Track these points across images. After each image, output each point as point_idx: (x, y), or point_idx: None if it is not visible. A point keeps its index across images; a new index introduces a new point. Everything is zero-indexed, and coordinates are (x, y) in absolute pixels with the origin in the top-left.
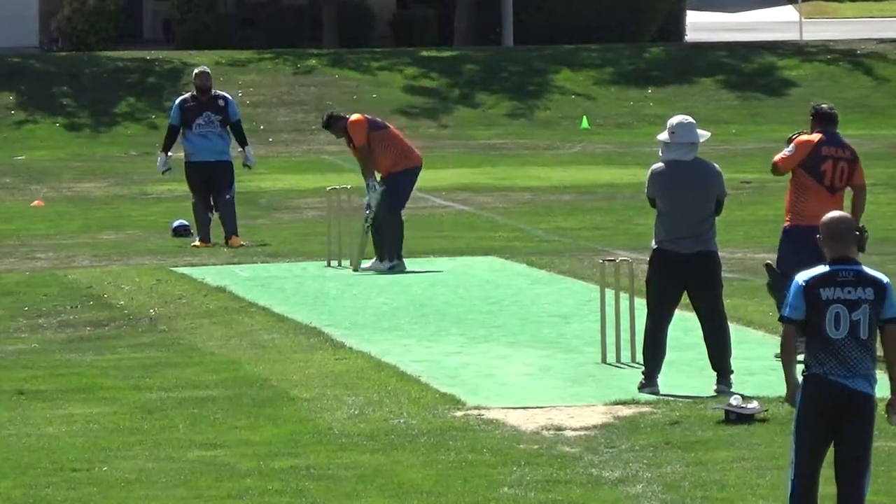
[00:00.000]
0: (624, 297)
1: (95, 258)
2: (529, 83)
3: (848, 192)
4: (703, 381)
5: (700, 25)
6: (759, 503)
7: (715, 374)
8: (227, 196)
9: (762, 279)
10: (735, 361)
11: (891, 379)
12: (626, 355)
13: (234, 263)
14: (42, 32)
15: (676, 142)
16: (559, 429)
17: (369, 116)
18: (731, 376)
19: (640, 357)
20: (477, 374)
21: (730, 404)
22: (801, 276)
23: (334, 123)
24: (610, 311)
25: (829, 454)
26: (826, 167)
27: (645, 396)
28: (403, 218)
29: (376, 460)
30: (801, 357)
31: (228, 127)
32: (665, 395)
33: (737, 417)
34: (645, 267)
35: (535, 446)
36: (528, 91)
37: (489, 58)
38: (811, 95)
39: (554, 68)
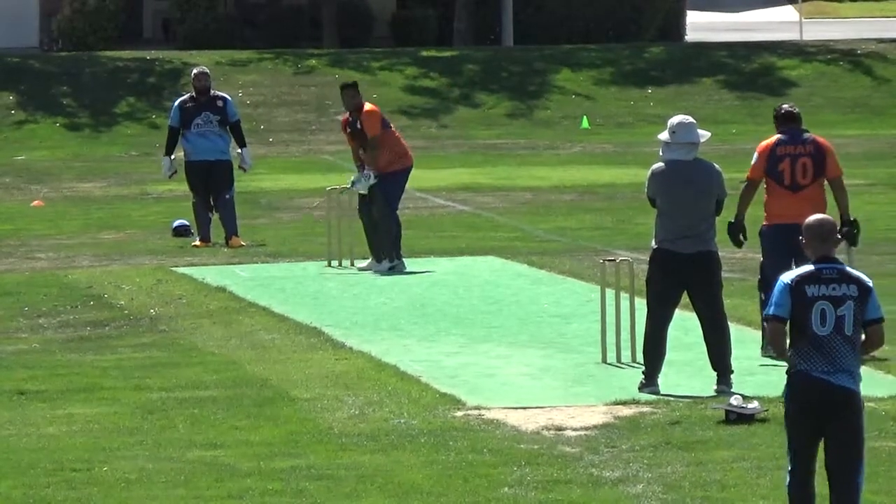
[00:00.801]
0: (624, 297)
1: (95, 258)
2: (529, 83)
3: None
4: (703, 381)
5: (700, 25)
6: (760, 503)
7: (715, 374)
8: (227, 196)
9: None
10: (735, 361)
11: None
12: (626, 355)
13: (234, 263)
14: (42, 32)
15: (677, 142)
16: (559, 429)
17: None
18: (731, 376)
19: (640, 357)
20: (477, 374)
21: (730, 404)
22: (787, 276)
23: (353, 94)
24: (610, 311)
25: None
26: (783, 166)
27: (645, 396)
28: (400, 218)
29: (376, 460)
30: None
31: (228, 127)
32: (665, 395)
33: (737, 417)
34: (645, 267)
35: (536, 446)
36: (528, 91)
37: (489, 58)
38: (811, 95)
39: (554, 68)
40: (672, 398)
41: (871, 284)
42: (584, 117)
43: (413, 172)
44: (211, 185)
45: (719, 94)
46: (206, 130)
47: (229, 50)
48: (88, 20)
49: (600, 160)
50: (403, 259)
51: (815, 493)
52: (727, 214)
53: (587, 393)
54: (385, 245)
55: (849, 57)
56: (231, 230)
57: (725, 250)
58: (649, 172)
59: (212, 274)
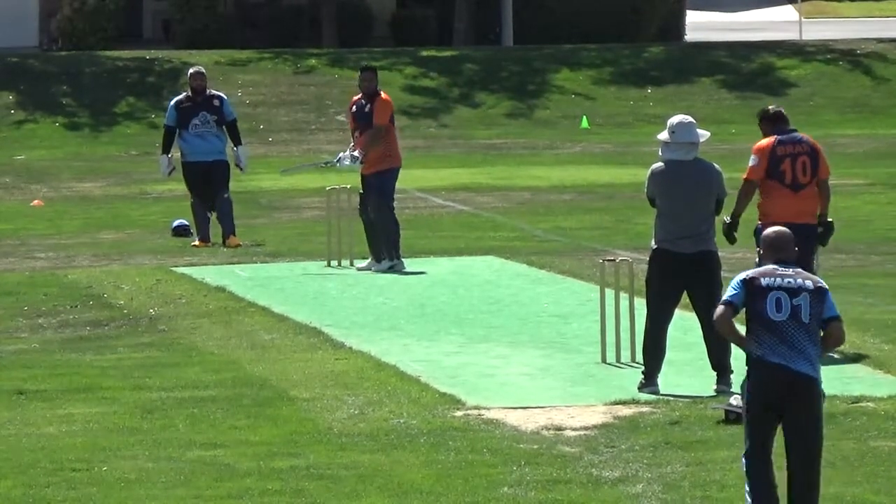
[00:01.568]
0: (624, 297)
1: (95, 258)
2: (529, 83)
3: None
4: (703, 381)
5: (700, 25)
6: None
7: (715, 373)
8: (226, 195)
9: None
10: (735, 361)
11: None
12: (626, 355)
13: (233, 263)
14: (42, 32)
15: (676, 141)
16: (559, 429)
17: None
18: (731, 376)
19: (640, 357)
20: (477, 374)
21: (730, 404)
22: (742, 274)
23: (371, 77)
24: (610, 311)
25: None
26: (784, 166)
27: (645, 396)
28: (400, 218)
29: (376, 460)
30: None
31: (225, 126)
32: (665, 395)
33: (737, 417)
34: (645, 267)
35: (535, 446)
36: (527, 91)
37: (489, 58)
38: (811, 95)
39: (553, 68)
40: (672, 398)
41: (826, 287)
42: (584, 117)
43: (413, 172)
44: (209, 184)
45: (719, 94)
46: (204, 131)
47: (229, 50)
48: (88, 20)
49: (600, 160)
50: (403, 259)
51: (774, 477)
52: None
53: (587, 393)
54: (384, 245)
55: (848, 57)
56: (228, 229)
57: (725, 250)
58: (649, 172)
59: (211, 274)
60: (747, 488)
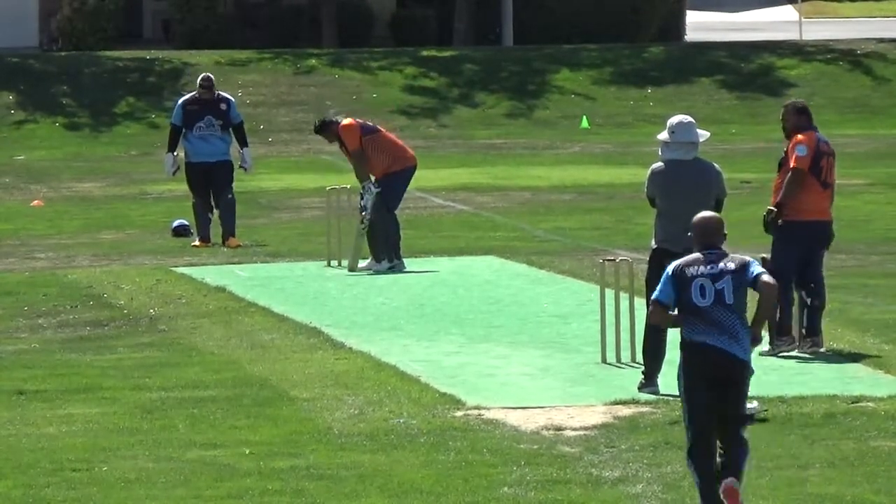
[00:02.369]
0: (624, 297)
1: (95, 258)
2: (529, 83)
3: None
4: None
5: (700, 25)
6: (759, 503)
7: None
8: (229, 196)
9: None
10: None
11: (755, 314)
12: (626, 355)
13: (233, 263)
14: (42, 32)
15: (676, 141)
16: (559, 429)
17: (361, 120)
18: None
19: (640, 357)
20: (477, 374)
21: None
22: (671, 266)
23: (326, 128)
24: (610, 311)
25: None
26: (823, 163)
27: (645, 396)
28: (400, 218)
29: (376, 460)
30: None
31: (231, 128)
32: (665, 395)
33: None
34: (645, 267)
35: (535, 446)
36: (527, 91)
37: (489, 58)
38: (811, 95)
39: (553, 68)
40: (672, 398)
41: (749, 259)
42: (584, 117)
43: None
44: (212, 185)
45: (719, 94)
46: (207, 134)
47: (229, 50)
48: (88, 20)
49: (600, 160)
50: (403, 259)
51: (716, 463)
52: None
53: (587, 393)
54: (383, 245)
55: (848, 57)
56: (229, 230)
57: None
58: (649, 172)
59: (211, 274)
60: (691, 470)
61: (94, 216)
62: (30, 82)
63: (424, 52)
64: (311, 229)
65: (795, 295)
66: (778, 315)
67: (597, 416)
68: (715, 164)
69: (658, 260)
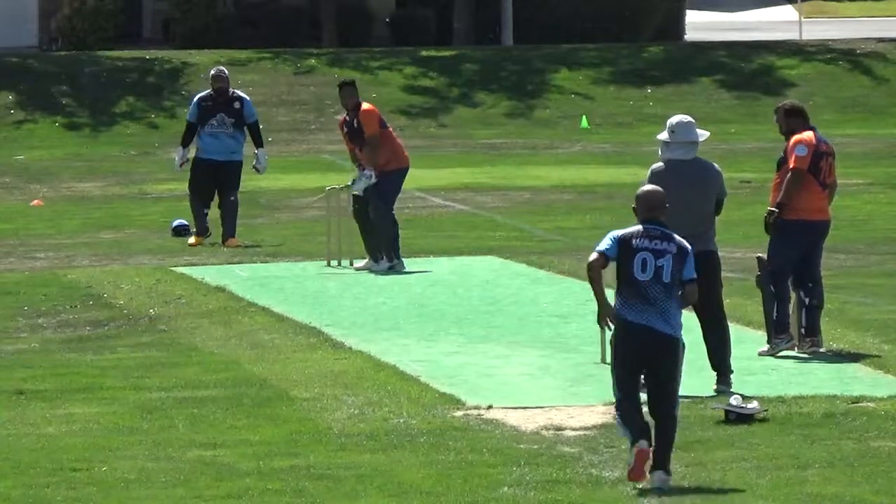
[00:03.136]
0: None
1: (95, 258)
2: (528, 83)
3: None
4: (703, 381)
5: (700, 25)
6: (759, 503)
7: (715, 373)
8: (233, 197)
9: None
10: (735, 361)
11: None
12: None
13: (233, 263)
14: (42, 32)
15: (676, 141)
16: (559, 429)
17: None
18: (731, 376)
19: None
20: (476, 374)
21: (730, 404)
22: (618, 232)
23: (351, 92)
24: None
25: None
26: (823, 164)
27: (644, 396)
28: (399, 218)
29: (376, 460)
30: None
31: (246, 127)
32: None
33: (737, 417)
34: None
35: (535, 446)
36: (527, 90)
37: (488, 57)
38: (810, 95)
39: (553, 68)
40: None
41: (689, 248)
42: (584, 117)
43: (412, 172)
44: (218, 184)
45: (718, 94)
46: (219, 132)
47: (228, 50)
48: (87, 20)
49: (599, 160)
50: (402, 259)
51: (642, 414)
52: (727, 214)
53: (586, 393)
54: (383, 245)
55: (848, 57)
56: (230, 231)
57: (725, 250)
58: (649, 172)
59: (211, 274)
60: (619, 425)
61: (94, 216)
62: (29, 82)
63: (424, 52)
64: (310, 229)
65: (793, 294)
66: (775, 313)
67: (597, 416)
68: (715, 164)
69: None
